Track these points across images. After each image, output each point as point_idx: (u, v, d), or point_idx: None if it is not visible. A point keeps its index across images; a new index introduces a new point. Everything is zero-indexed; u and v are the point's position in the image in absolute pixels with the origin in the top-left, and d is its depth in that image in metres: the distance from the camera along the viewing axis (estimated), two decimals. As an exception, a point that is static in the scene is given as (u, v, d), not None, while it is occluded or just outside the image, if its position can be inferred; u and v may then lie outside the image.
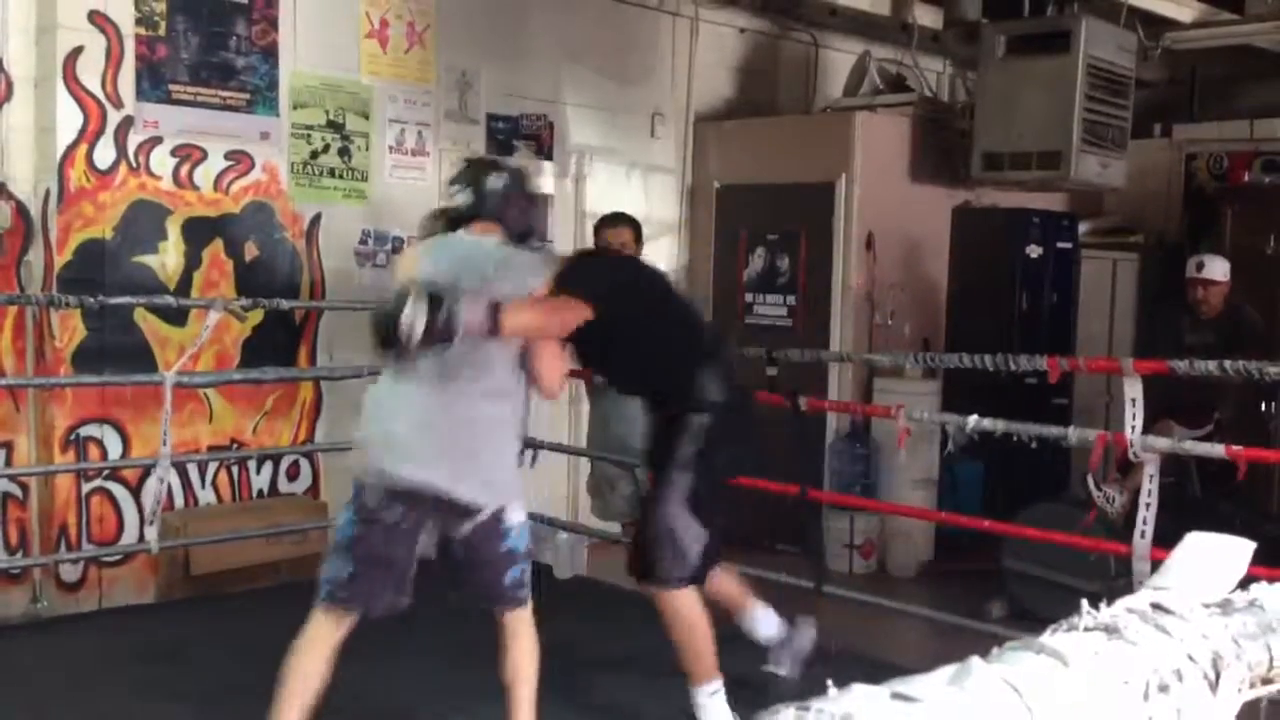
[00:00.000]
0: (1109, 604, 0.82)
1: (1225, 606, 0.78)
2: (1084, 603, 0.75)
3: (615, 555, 5.55)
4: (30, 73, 4.88)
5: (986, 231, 6.94)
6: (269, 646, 4.28)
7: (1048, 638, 0.73)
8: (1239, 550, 0.85)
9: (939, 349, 6.74)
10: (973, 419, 4.17)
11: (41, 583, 4.87)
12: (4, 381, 4.80)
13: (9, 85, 4.84)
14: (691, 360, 3.54)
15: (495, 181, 3.25)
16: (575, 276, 3.34)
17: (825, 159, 6.69)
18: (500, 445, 3.15)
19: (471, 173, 3.31)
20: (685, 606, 3.60)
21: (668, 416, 3.56)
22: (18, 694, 3.11)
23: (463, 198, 3.24)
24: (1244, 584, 0.89)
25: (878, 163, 6.70)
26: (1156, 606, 0.74)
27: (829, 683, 0.71)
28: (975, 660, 0.71)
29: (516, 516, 3.20)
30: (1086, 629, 0.73)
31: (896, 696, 0.63)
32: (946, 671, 0.71)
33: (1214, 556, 0.84)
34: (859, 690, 0.67)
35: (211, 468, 5.40)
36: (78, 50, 4.89)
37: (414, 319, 2.89)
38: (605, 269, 3.85)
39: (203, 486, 5.40)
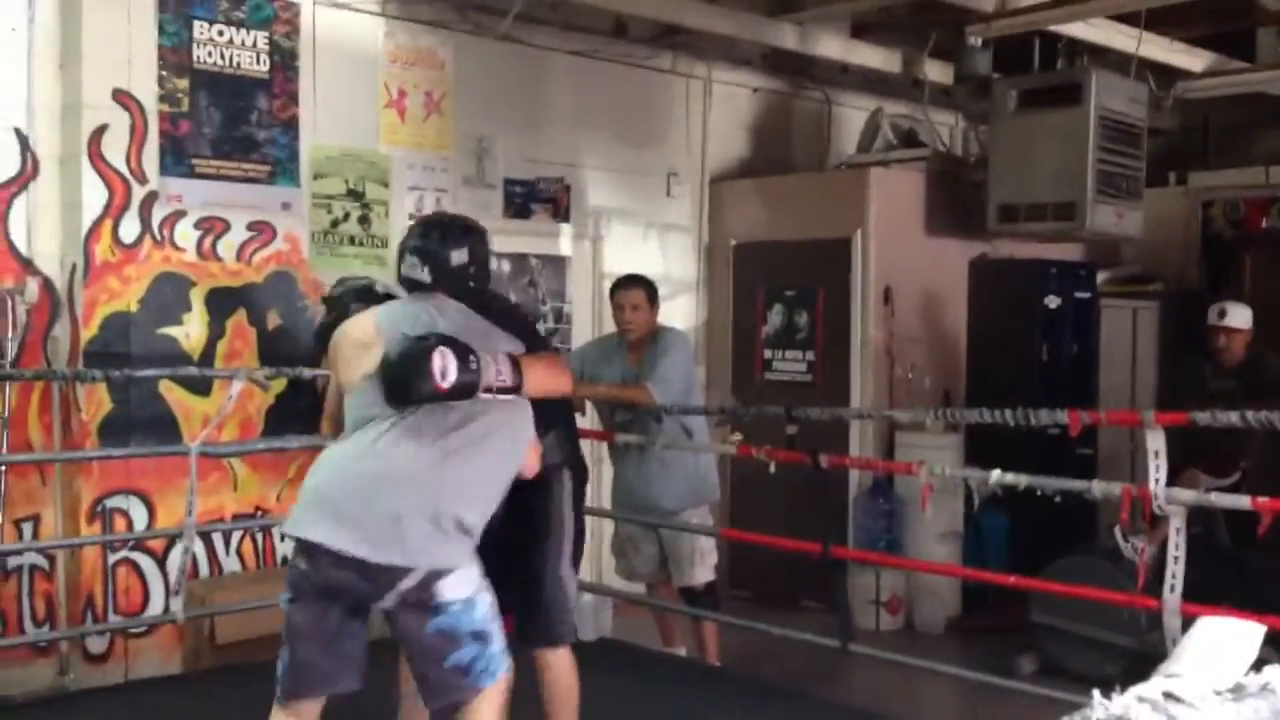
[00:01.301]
0: (1127, 676, 0.82)
1: (1238, 692, 0.78)
2: (1095, 694, 0.75)
3: (640, 616, 5.53)
4: (56, 151, 4.98)
5: (1005, 283, 6.95)
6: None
7: (1058, 733, 0.73)
8: (1250, 633, 0.85)
9: (960, 401, 6.72)
10: (995, 474, 4.15)
11: (68, 655, 4.88)
12: (31, 457, 4.84)
13: (35, 164, 4.93)
14: (553, 416, 3.35)
15: (458, 256, 3.10)
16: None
17: (841, 215, 6.72)
18: (458, 506, 2.83)
19: (432, 246, 3.11)
20: (570, 666, 3.57)
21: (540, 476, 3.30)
22: None
23: (422, 274, 3.08)
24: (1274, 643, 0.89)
25: (893, 217, 6.73)
26: (1168, 695, 0.74)
27: None
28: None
29: (456, 591, 2.81)
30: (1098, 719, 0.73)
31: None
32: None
33: (1226, 640, 0.84)
34: None
35: (236, 536, 5.42)
36: (102, 128, 4.99)
37: (445, 365, 2.75)
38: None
39: (227, 555, 5.41)
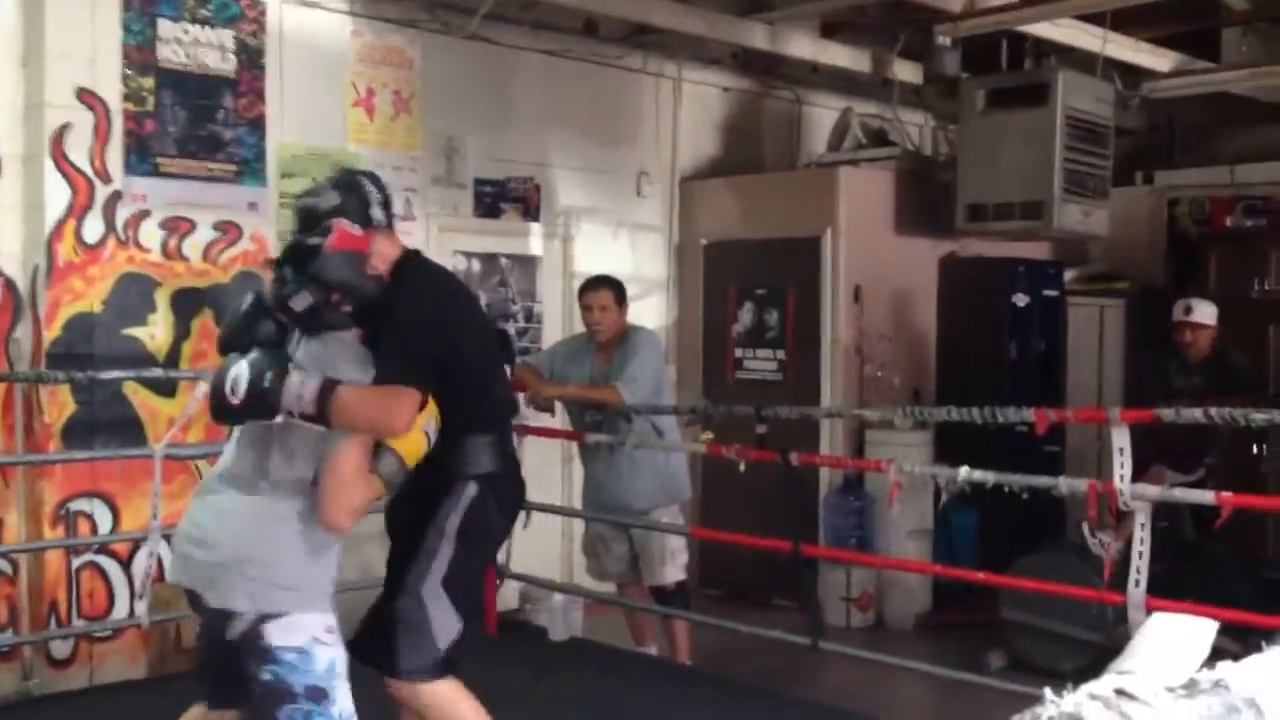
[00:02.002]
0: (1095, 671, 0.82)
1: (1191, 688, 0.78)
2: (1047, 691, 0.75)
3: (611, 615, 5.53)
4: (19, 150, 4.92)
5: (973, 281, 6.99)
6: None
7: (1009, 731, 0.73)
8: (1203, 629, 0.85)
9: (929, 399, 6.76)
10: (963, 471, 4.17)
11: (32, 660, 4.82)
12: (-6, 458, 4.79)
13: (-2, 163, 4.87)
14: (465, 424, 2.99)
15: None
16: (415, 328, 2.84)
17: (811, 214, 6.74)
18: (282, 544, 2.62)
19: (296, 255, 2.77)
20: (445, 701, 3.00)
21: (432, 485, 2.98)
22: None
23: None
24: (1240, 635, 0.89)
25: (863, 216, 6.76)
26: (1120, 692, 0.74)
27: None
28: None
29: (285, 638, 2.59)
30: (1050, 719, 0.73)
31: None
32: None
33: (1179, 636, 0.84)
34: None
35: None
36: (65, 127, 4.93)
37: (237, 377, 2.61)
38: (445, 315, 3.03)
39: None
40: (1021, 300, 6.90)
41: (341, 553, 2.75)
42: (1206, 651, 0.84)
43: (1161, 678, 0.77)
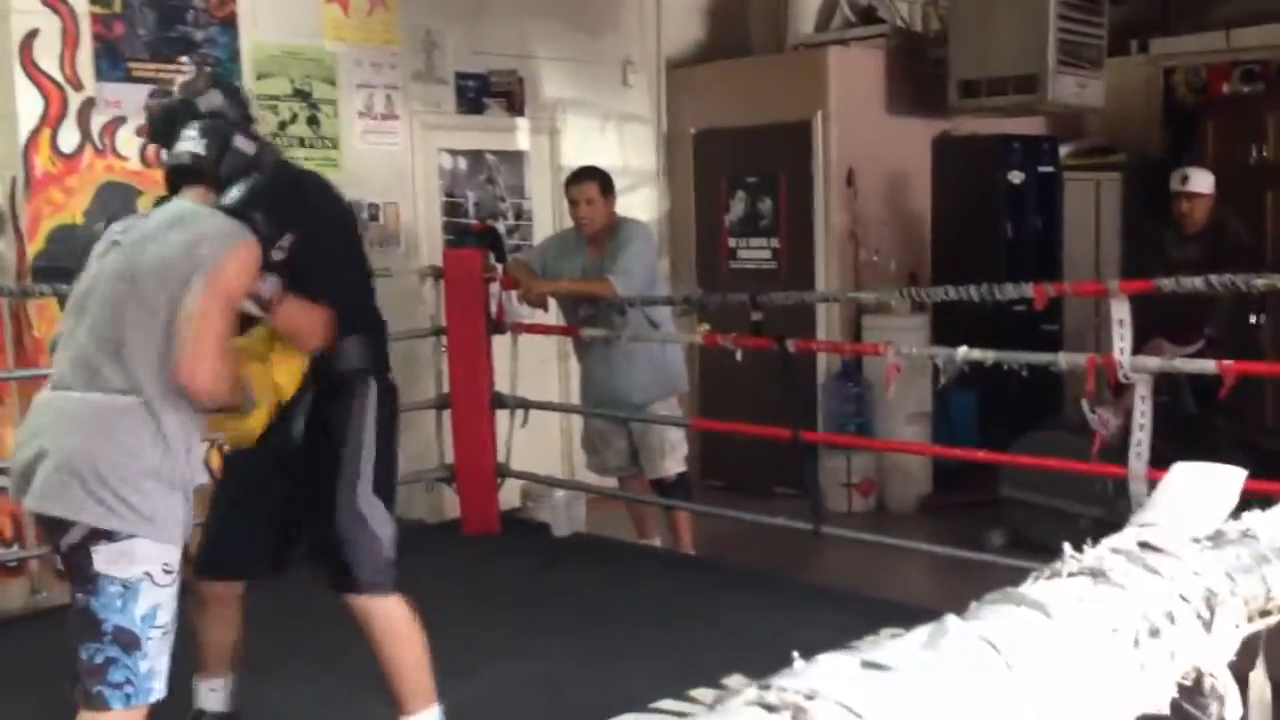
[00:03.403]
0: (1094, 542, 0.78)
1: (1217, 539, 0.75)
2: (1066, 546, 0.71)
3: (614, 510, 5.55)
4: (-16, 59, 4.78)
5: (967, 160, 6.88)
6: (276, 622, 4.27)
7: (1029, 587, 0.69)
8: (1229, 478, 0.82)
9: (925, 282, 6.70)
10: (961, 350, 4.15)
11: (39, 573, 4.84)
12: (-15, 375, 4.74)
13: (-36, 73, 4.74)
14: (354, 318, 2.91)
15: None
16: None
17: (801, 97, 6.60)
18: (132, 452, 2.38)
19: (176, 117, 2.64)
20: (397, 615, 2.94)
21: (331, 386, 2.89)
22: (24, 686, 3.10)
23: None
24: (1239, 507, 0.86)
25: (853, 98, 6.62)
26: (1144, 545, 0.71)
27: (795, 654, 0.68)
28: (951, 619, 0.68)
29: (112, 566, 2.33)
30: (1070, 574, 0.69)
31: (867, 665, 0.60)
32: (921, 633, 0.67)
33: (1203, 486, 0.80)
34: (826, 661, 0.63)
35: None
36: (33, 34, 4.78)
37: None
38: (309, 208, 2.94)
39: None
40: (1017, 178, 6.80)
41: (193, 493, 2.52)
42: (1234, 500, 0.81)
43: (1187, 529, 0.74)
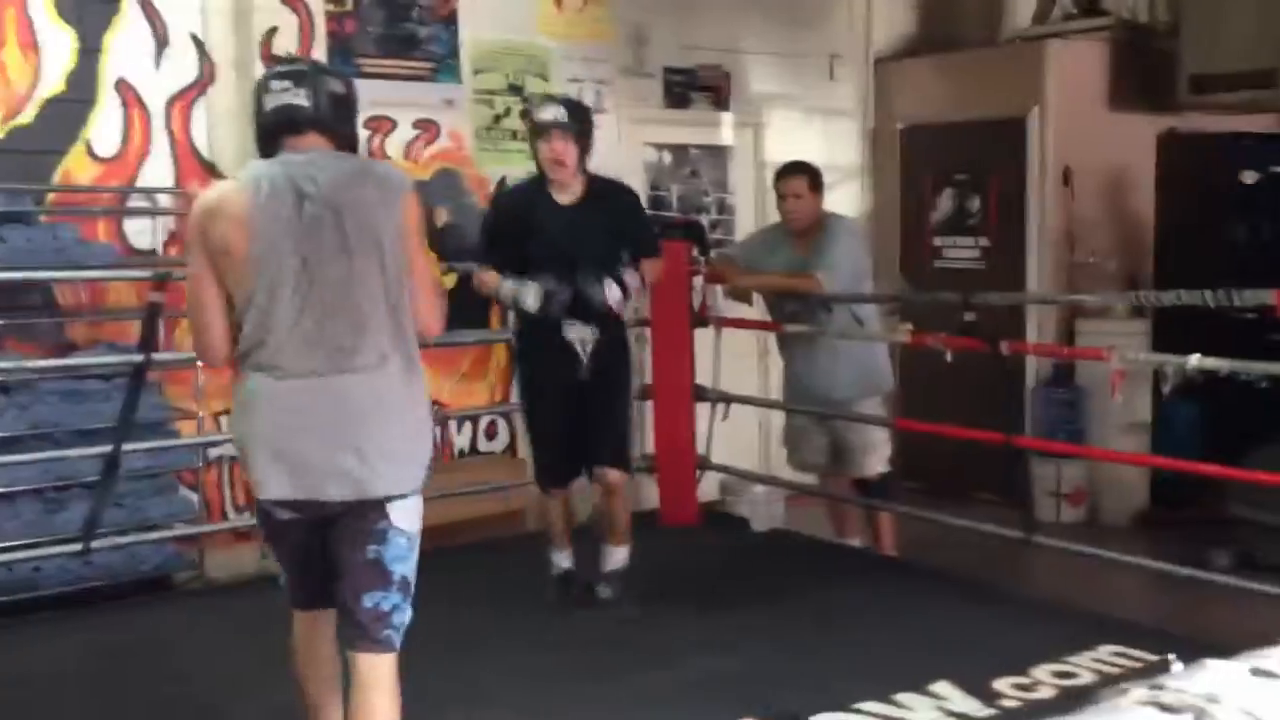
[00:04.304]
0: None
1: None
2: None
3: (811, 507, 5.50)
4: (231, 55, 5.07)
5: (1195, 159, 6.53)
6: (482, 600, 4.41)
7: None
8: None
9: (1146, 286, 6.39)
10: (1194, 358, 3.94)
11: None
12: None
13: (212, 69, 5.03)
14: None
15: (335, 85, 2.67)
16: None
17: (1015, 92, 6.40)
18: (414, 417, 2.64)
19: (307, 70, 2.68)
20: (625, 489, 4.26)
21: (617, 334, 4.13)
22: (262, 647, 3.28)
23: (298, 98, 2.60)
24: None
25: (1073, 93, 6.37)
26: None
27: (1171, 657, 0.65)
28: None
29: (408, 521, 2.58)
30: None
31: (1258, 672, 0.56)
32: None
33: None
34: (1215, 666, 0.60)
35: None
36: (273, 31, 5.06)
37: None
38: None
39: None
40: (1250, 178, 6.42)
41: None
42: None
43: None
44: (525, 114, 4.19)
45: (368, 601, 2.54)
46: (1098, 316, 6.15)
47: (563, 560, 4.35)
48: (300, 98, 2.59)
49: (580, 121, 4.03)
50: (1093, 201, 6.39)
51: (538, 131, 4.04)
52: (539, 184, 4.09)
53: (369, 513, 2.53)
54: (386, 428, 2.52)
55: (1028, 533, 4.41)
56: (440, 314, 2.72)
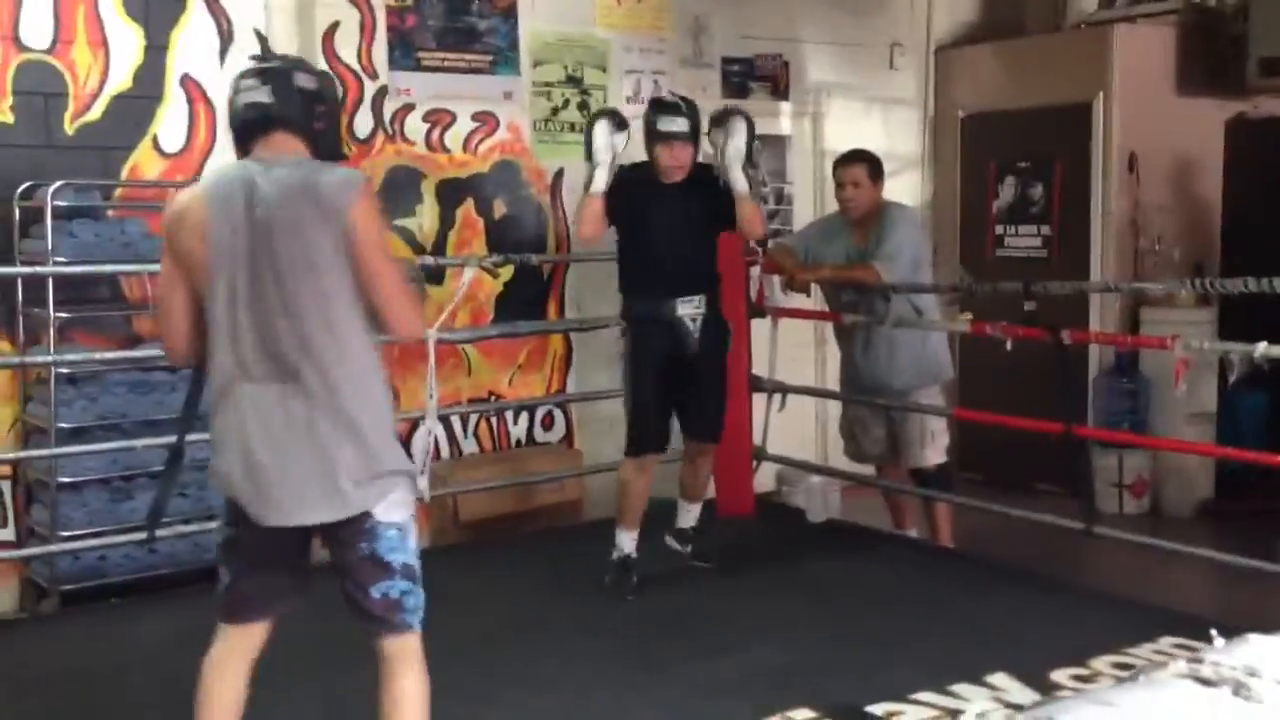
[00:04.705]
0: None
1: None
2: None
3: (868, 498, 5.47)
4: (293, 49, 5.12)
5: (1266, 145, 6.38)
6: (541, 588, 4.46)
7: None
8: None
9: (1213, 274, 6.26)
10: (1261, 347, 3.87)
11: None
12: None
13: (276, 64, 5.11)
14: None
15: (305, 81, 2.62)
16: None
17: (1080, 78, 6.30)
18: (381, 422, 2.63)
19: (275, 67, 2.62)
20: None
21: (718, 313, 4.42)
22: (321, 635, 3.34)
23: (260, 95, 2.56)
24: None
25: (1139, 78, 6.26)
26: None
27: (1213, 632, 0.64)
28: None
29: (393, 515, 2.56)
30: None
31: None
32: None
33: None
34: (1256, 641, 0.60)
35: (473, 419, 5.62)
36: (334, 25, 5.13)
37: None
38: None
39: (465, 437, 5.63)
40: (1322, 163, 6.26)
41: None
42: None
43: None
44: (645, 116, 4.39)
45: (376, 593, 2.55)
46: (1163, 305, 6.05)
47: (627, 543, 4.42)
48: (265, 95, 2.56)
49: (697, 127, 4.32)
50: (1158, 188, 6.28)
51: (659, 138, 4.30)
52: (650, 171, 4.36)
53: (350, 520, 2.52)
54: (343, 449, 2.49)
55: (1088, 524, 4.35)
56: (412, 314, 2.65)
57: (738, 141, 4.32)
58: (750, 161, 4.35)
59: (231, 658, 2.66)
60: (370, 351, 2.58)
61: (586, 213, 4.39)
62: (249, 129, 2.59)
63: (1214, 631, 0.63)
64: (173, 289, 2.60)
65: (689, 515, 4.64)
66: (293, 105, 2.57)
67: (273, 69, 2.62)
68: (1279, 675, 0.55)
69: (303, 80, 2.61)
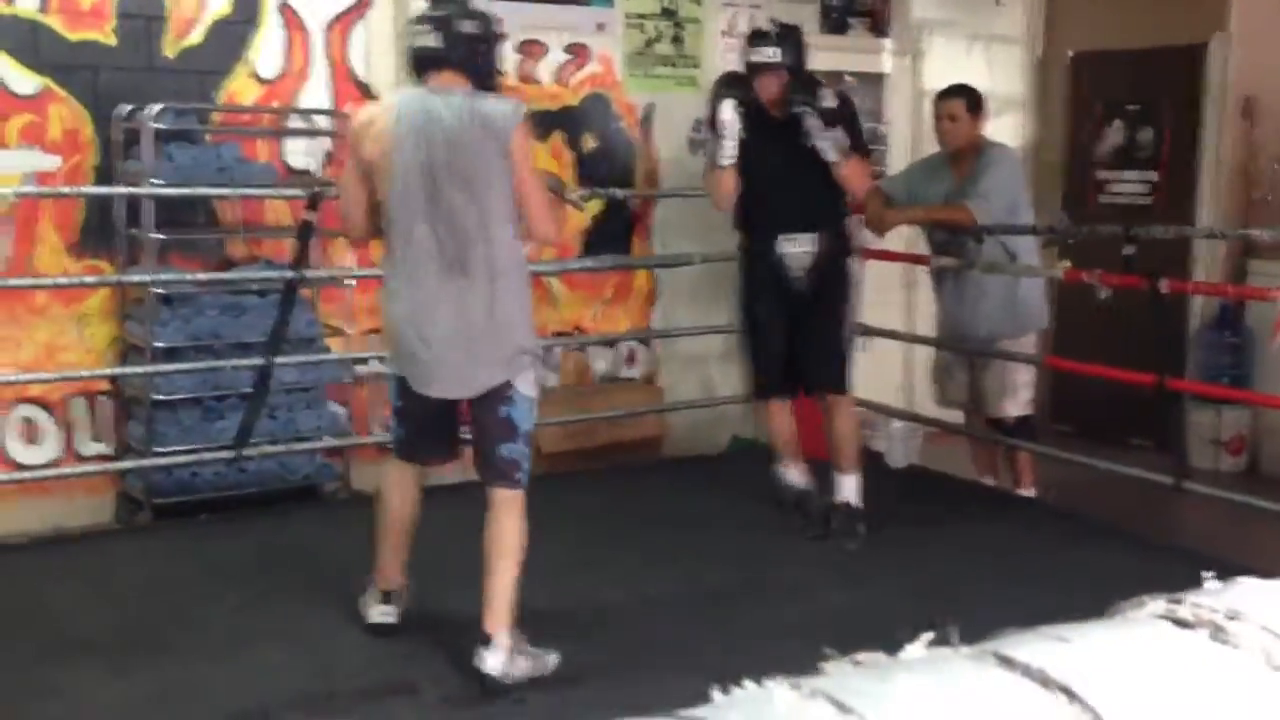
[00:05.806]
0: None
1: None
2: None
3: (952, 446, 5.39)
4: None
5: (1394, 90, 6.04)
6: (614, 522, 4.49)
7: None
8: None
9: (1329, 226, 5.99)
10: (1371, 301, 3.69)
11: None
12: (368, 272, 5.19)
13: (367, -7, 5.15)
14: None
15: (468, 26, 3.17)
16: None
17: (1196, 18, 6.03)
18: (522, 312, 3.30)
19: (441, 17, 3.17)
20: (851, 410, 4.41)
21: (836, 252, 4.35)
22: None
23: (431, 40, 3.14)
24: None
25: (1261, 17, 5.95)
26: None
27: (1207, 575, 0.62)
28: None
29: (529, 388, 3.23)
30: None
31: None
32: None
33: None
34: (1246, 584, 0.57)
35: (557, 353, 5.65)
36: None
37: None
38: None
39: (550, 371, 5.66)
40: None
41: None
42: None
43: None
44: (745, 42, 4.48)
45: (505, 450, 3.16)
46: (1272, 257, 5.80)
47: (792, 476, 4.41)
48: (435, 39, 3.13)
49: (795, 52, 4.26)
50: (1275, 135, 6.00)
51: (750, 70, 4.28)
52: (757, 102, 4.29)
53: (496, 389, 3.13)
54: (499, 331, 3.10)
55: (1177, 479, 4.23)
56: (552, 221, 3.26)
57: (810, 121, 4.16)
58: (825, 122, 4.17)
59: (405, 478, 3.38)
60: (520, 250, 3.18)
61: (720, 186, 4.31)
62: (423, 65, 3.17)
63: (1209, 574, 0.60)
64: (354, 184, 3.23)
65: (841, 487, 4.32)
66: (458, 49, 3.13)
67: (440, 16, 3.16)
68: (1264, 620, 0.52)
69: (466, 26, 3.15)
